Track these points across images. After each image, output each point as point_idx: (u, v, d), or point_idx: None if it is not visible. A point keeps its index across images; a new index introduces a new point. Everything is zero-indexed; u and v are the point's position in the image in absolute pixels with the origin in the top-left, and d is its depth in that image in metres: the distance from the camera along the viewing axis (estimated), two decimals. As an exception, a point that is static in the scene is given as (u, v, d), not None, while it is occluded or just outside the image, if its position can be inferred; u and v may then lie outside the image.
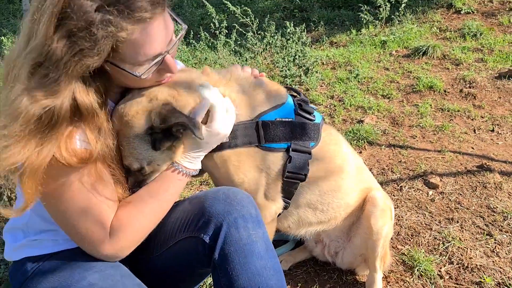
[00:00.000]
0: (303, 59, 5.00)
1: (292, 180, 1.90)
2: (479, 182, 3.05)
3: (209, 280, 2.34)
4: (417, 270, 2.32)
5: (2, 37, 6.06)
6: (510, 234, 2.58)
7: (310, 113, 1.92)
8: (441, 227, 2.66)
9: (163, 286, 1.84)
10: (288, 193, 1.94)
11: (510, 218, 2.69)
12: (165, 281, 1.83)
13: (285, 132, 1.82)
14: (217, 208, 1.61)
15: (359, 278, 2.33)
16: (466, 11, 6.54)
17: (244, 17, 5.52)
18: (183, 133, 1.63)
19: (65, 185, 1.46)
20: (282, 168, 1.85)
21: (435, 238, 2.58)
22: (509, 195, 2.93)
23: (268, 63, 5.50)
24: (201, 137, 1.59)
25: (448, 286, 2.25)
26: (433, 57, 5.34)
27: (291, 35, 5.39)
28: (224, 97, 1.75)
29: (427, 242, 2.55)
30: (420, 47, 5.47)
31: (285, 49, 5.22)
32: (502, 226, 2.64)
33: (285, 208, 1.98)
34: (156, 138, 1.60)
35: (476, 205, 2.83)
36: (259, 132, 1.80)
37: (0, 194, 2.77)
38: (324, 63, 5.57)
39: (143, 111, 1.59)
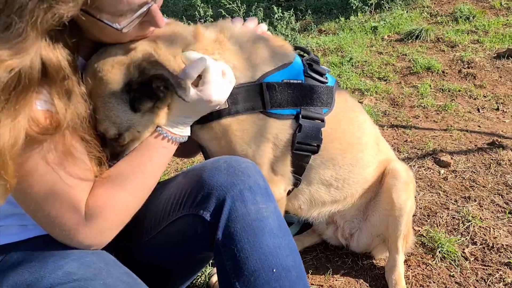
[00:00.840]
0: (294, 44, 4.76)
1: (303, 153, 1.64)
2: (492, 159, 2.83)
3: (208, 270, 2.06)
4: (439, 252, 2.08)
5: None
6: (533, 211, 2.37)
7: (322, 75, 1.66)
8: (459, 206, 2.43)
9: (156, 277, 1.55)
10: (299, 167, 1.68)
11: (531, 194, 2.48)
12: (158, 270, 1.55)
13: (293, 96, 1.56)
14: (219, 180, 1.34)
15: (377, 262, 2.08)
16: (456, -5, 6.39)
17: (231, 2, 5.26)
18: (167, 93, 1.37)
19: (27, 163, 1.20)
20: (291, 138, 1.59)
21: (453, 217, 2.34)
22: (525, 171, 2.72)
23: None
24: (185, 99, 1.32)
25: (476, 268, 2.02)
26: (427, 40, 5.16)
27: (279, 21, 5.15)
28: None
29: (446, 222, 2.32)
30: (413, 31, 5.28)
31: (275, 35, 4.96)
32: (523, 204, 2.43)
33: (295, 185, 1.72)
34: (135, 96, 1.34)
35: (492, 182, 2.61)
36: (263, 96, 1.53)
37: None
38: (314, 49, 5.34)
39: (119, 65, 1.33)
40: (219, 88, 1.42)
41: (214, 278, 1.97)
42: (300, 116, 1.57)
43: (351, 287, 1.97)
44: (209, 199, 1.33)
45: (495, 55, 4.55)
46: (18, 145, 1.11)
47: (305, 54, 1.74)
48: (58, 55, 1.17)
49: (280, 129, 1.59)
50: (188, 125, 1.48)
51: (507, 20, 5.48)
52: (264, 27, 1.73)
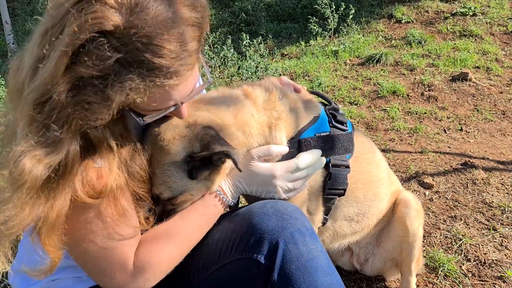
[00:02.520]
0: (265, 71, 4.92)
1: (331, 196, 1.78)
2: (468, 179, 3.10)
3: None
4: (441, 271, 2.27)
5: None
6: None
7: (343, 123, 1.79)
8: (448, 225, 2.65)
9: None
10: (326, 208, 1.82)
11: (508, 211, 2.75)
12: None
13: (324, 148, 1.69)
14: (269, 224, 1.43)
15: (389, 284, 2.23)
16: (406, 20, 6.87)
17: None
18: (224, 161, 1.46)
19: (83, 224, 1.27)
20: (322, 184, 1.73)
21: (446, 237, 2.56)
22: (498, 189, 3.01)
23: (223, 77, 5.36)
24: (241, 169, 1.42)
25: (475, 284, 2.22)
26: (387, 64, 5.51)
27: (247, 48, 5.31)
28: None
29: (440, 241, 2.52)
30: (373, 55, 5.62)
31: (246, 62, 5.12)
32: (502, 220, 2.69)
33: (323, 224, 1.85)
34: (194, 166, 1.42)
35: (472, 201, 2.87)
36: (300, 151, 1.65)
37: None
38: (282, 74, 5.53)
39: (180, 136, 1.40)
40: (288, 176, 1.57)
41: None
42: (330, 165, 1.71)
43: (367, 310, 2.11)
44: (262, 243, 1.42)
45: (450, 78, 4.95)
46: (59, 221, 1.15)
47: (327, 103, 1.88)
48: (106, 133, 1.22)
49: (313, 178, 1.71)
50: (241, 191, 1.58)
51: (455, 44, 5.97)
52: (285, 79, 1.85)
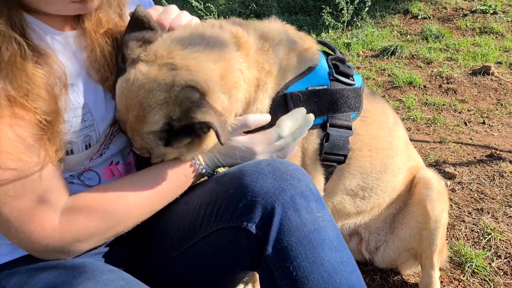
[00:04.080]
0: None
1: (329, 163, 1.47)
2: (494, 171, 2.78)
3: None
4: (469, 267, 1.94)
5: None
6: (547, 223, 2.29)
7: (349, 76, 1.48)
8: (473, 218, 2.32)
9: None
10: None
11: (541, 206, 2.41)
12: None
13: (319, 104, 1.40)
14: (264, 185, 1.12)
15: (407, 278, 1.91)
16: (422, 16, 6.55)
17: (208, 14, 5.07)
18: (208, 131, 1.20)
19: None
20: (319, 147, 1.43)
21: (472, 230, 2.23)
22: (528, 183, 2.67)
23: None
24: (222, 143, 1.12)
25: (508, 283, 1.89)
26: (402, 56, 5.19)
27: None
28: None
29: (465, 235, 2.19)
30: (388, 47, 5.31)
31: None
32: (535, 215, 2.35)
33: None
34: (173, 132, 1.17)
35: (500, 194, 2.54)
36: (288, 108, 1.35)
37: None
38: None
39: (157, 104, 1.15)
40: (271, 148, 1.31)
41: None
42: (328, 124, 1.40)
43: (381, 308, 1.78)
44: (254, 208, 1.11)
45: (471, 71, 4.62)
46: None
47: (331, 52, 1.57)
48: None
49: (307, 138, 1.41)
50: (218, 164, 1.33)
51: (475, 40, 5.64)
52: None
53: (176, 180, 1.25)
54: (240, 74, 1.28)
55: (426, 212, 1.65)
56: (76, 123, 1.14)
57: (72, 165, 1.19)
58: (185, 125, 1.13)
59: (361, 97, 1.50)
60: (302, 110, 1.34)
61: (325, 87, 1.40)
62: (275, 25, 1.47)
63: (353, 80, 1.48)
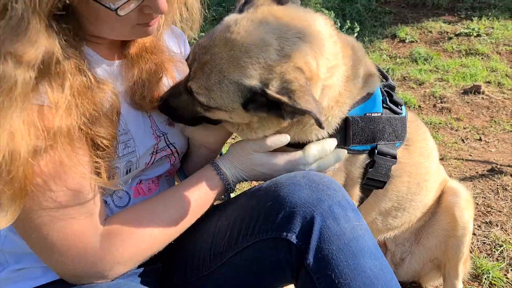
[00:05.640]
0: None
1: (369, 187, 1.49)
2: (497, 185, 2.83)
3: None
4: (486, 278, 1.95)
5: None
6: (555, 233, 2.33)
7: (399, 105, 1.50)
8: (484, 231, 2.35)
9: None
10: (360, 199, 1.53)
11: (547, 217, 2.46)
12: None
13: (373, 131, 1.41)
14: (302, 196, 1.14)
15: (429, 293, 1.91)
16: (410, 40, 6.73)
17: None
18: (293, 118, 1.19)
19: None
20: (363, 171, 1.45)
21: (484, 243, 2.25)
22: (531, 196, 2.72)
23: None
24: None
25: (526, 293, 1.91)
26: (394, 78, 5.31)
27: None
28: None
29: (478, 247, 2.22)
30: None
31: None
32: (542, 226, 2.39)
33: None
34: (256, 100, 1.16)
35: (506, 207, 2.58)
36: (346, 132, 1.37)
37: None
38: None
39: (265, 64, 1.13)
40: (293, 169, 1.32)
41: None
42: (376, 151, 1.42)
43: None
44: (293, 218, 1.12)
45: (462, 91, 4.74)
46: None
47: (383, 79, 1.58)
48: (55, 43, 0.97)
49: (355, 163, 1.44)
50: (241, 179, 1.34)
51: (462, 61, 5.81)
52: None
53: (204, 195, 1.26)
54: (338, 82, 1.30)
55: (454, 219, 1.67)
56: (121, 149, 1.16)
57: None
58: (278, 101, 1.11)
59: (406, 126, 1.52)
60: (332, 142, 1.35)
61: (379, 114, 1.42)
62: (352, 40, 1.50)
63: (401, 110, 1.50)
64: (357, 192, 1.49)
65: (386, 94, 1.46)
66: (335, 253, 1.09)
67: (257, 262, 1.19)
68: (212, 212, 1.34)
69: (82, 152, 1.04)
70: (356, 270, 1.08)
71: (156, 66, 1.28)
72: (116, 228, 1.12)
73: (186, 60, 1.24)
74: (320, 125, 1.08)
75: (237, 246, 1.21)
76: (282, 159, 1.31)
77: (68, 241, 1.03)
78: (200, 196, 1.25)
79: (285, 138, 1.32)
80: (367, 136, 1.39)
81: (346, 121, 1.35)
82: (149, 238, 1.15)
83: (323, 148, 1.33)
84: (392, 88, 1.50)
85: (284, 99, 1.09)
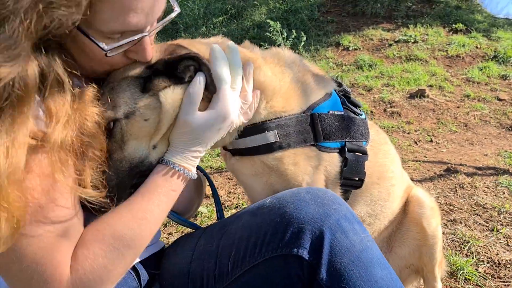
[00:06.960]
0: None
1: (347, 188, 1.52)
2: (455, 184, 2.99)
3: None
4: (461, 274, 2.05)
5: None
6: (512, 227, 2.50)
7: (357, 106, 1.56)
8: (450, 229, 2.47)
9: None
10: None
11: (504, 212, 2.63)
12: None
13: (340, 128, 1.44)
14: (309, 212, 1.14)
15: (412, 294, 1.97)
16: (353, 48, 7.01)
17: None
18: (192, 77, 1.15)
19: None
20: (340, 171, 1.46)
21: (453, 240, 2.37)
22: (485, 191, 2.91)
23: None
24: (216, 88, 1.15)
25: (498, 285, 2.02)
26: (343, 86, 5.48)
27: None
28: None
29: (448, 245, 2.33)
30: (329, 78, 5.59)
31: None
32: (501, 221, 2.56)
33: None
34: (151, 75, 1.15)
35: (466, 204, 2.73)
36: (315, 128, 1.39)
37: None
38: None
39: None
40: (235, 104, 1.23)
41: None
42: (346, 149, 1.46)
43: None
44: (303, 234, 1.12)
45: (408, 95, 4.99)
46: (20, 168, 0.85)
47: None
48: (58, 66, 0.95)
49: (329, 161, 1.45)
50: (200, 155, 1.23)
51: (403, 66, 6.12)
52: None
53: (167, 195, 1.16)
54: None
55: (423, 230, 1.73)
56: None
57: None
58: (168, 62, 1.12)
59: (368, 126, 1.56)
60: (217, 48, 1.23)
61: (342, 113, 1.46)
62: (286, 52, 1.53)
63: (361, 111, 1.55)
64: (339, 195, 1.51)
65: (343, 97, 1.51)
66: (347, 266, 1.10)
67: (267, 279, 1.17)
68: (210, 233, 1.31)
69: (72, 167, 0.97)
70: (369, 281, 1.09)
71: None
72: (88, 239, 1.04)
73: None
74: (208, 74, 1.14)
75: (244, 264, 1.19)
76: (214, 103, 1.19)
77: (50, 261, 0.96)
78: (164, 205, 1.17)
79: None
80: (336, 133, 1.42)
81: (311, 118, 1.38)
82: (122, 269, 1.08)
83: (218, 61, 1.20)
84: (347, 93, 1.55)
85: (169, 56, 1.14)
